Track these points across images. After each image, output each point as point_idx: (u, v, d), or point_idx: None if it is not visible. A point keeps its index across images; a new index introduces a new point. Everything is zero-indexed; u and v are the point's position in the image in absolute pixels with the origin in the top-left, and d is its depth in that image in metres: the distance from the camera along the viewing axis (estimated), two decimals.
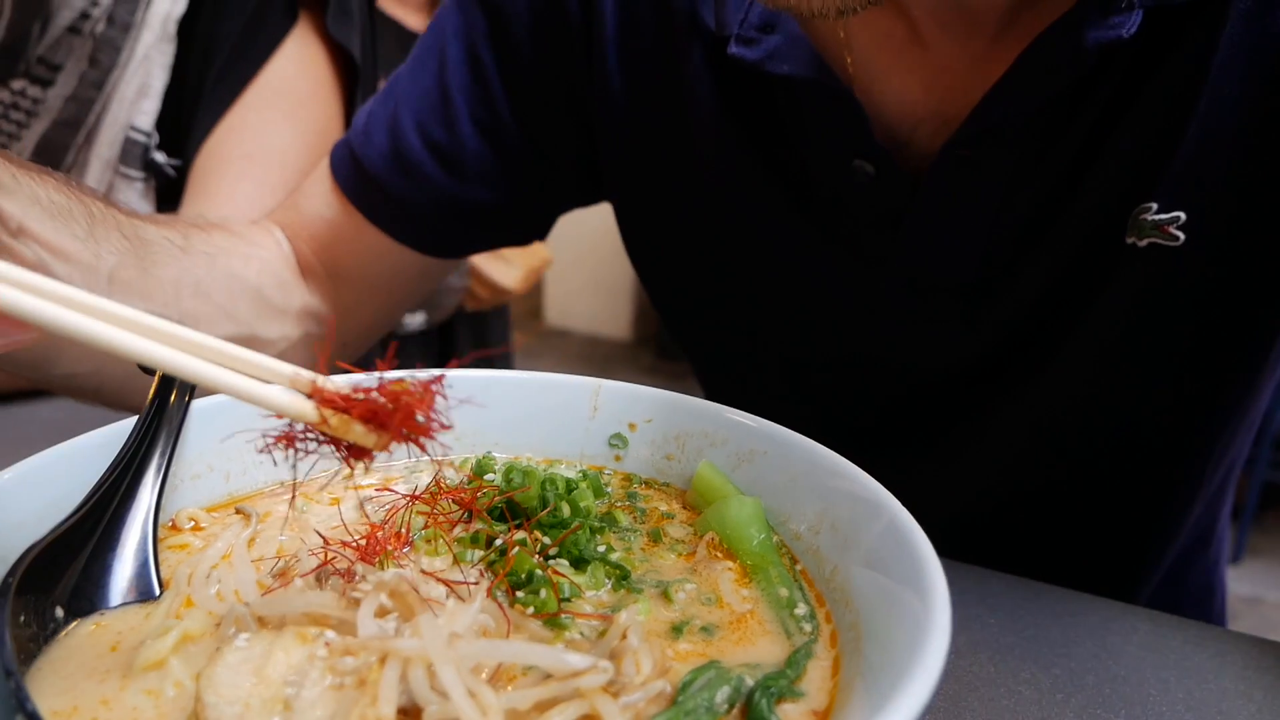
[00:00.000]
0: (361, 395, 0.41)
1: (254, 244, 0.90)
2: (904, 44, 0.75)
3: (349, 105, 1.22)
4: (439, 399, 0.42)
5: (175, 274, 0.77)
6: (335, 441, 0.41)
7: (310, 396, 0.40)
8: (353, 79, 1.23)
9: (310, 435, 0.41)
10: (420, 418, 0.41)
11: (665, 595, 0.50)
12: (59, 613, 0.45)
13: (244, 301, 0.84)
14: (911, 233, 0.77)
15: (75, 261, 0.67)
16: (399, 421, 0.40)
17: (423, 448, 0.42)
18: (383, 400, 0.41)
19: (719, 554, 0.54)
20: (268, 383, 0.40)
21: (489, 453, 0.62)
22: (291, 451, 0.41)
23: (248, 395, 0.39)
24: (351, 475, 0.60)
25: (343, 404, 0.40)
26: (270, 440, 0.41)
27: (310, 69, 1.20)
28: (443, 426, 0.42)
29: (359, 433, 0.40)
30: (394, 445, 0.41)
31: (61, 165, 1.16)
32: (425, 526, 0.53)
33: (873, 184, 0.76)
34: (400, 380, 0.42)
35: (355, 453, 0.42)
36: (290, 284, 0.91)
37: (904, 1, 0.73)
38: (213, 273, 0.81)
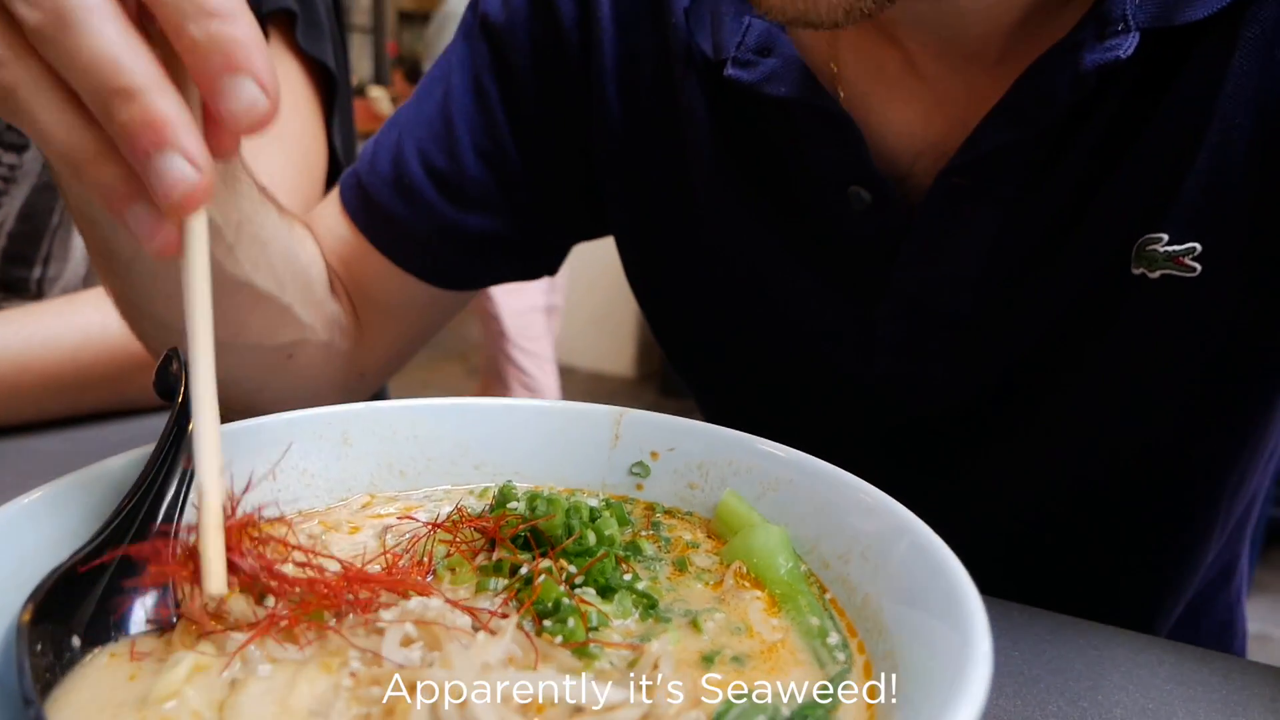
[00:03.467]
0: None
1: (306, 234, 0.89)
2: (899, 75, 0.74)
3: (329, 116, 1.21)
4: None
5: (248, 209, 0.73)
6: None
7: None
8: (330, 89, 1.22)
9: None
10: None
11: (694, 624, 0.49)
12: (75, 642, 0.44)
13: (291, 276, 0.81)
14: (907, 264, 0.76)
15: None
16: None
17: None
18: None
19: (747, 583, 0.53)
20: None
21: (509, 482, 0.61)
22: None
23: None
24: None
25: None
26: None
27: (287, 86, 1.19)
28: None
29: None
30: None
31: (48, 227, 1.14)
32: (447, 555, 0.52)
33: (870, 212, 0.75)
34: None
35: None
36: (326, 284, 0.89)
37: (898, 32, 0.72)
38: (277, 232, 0.78)
